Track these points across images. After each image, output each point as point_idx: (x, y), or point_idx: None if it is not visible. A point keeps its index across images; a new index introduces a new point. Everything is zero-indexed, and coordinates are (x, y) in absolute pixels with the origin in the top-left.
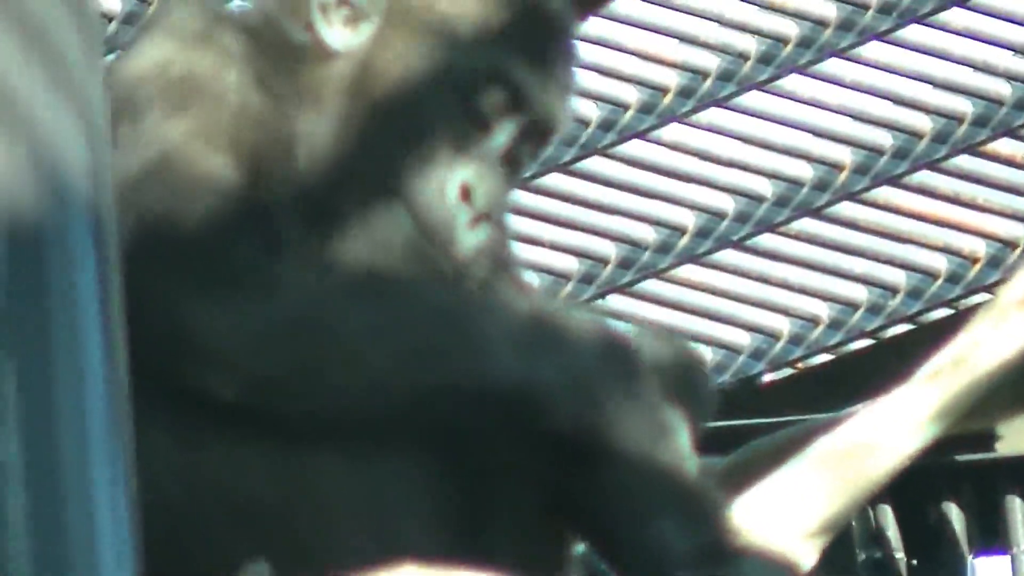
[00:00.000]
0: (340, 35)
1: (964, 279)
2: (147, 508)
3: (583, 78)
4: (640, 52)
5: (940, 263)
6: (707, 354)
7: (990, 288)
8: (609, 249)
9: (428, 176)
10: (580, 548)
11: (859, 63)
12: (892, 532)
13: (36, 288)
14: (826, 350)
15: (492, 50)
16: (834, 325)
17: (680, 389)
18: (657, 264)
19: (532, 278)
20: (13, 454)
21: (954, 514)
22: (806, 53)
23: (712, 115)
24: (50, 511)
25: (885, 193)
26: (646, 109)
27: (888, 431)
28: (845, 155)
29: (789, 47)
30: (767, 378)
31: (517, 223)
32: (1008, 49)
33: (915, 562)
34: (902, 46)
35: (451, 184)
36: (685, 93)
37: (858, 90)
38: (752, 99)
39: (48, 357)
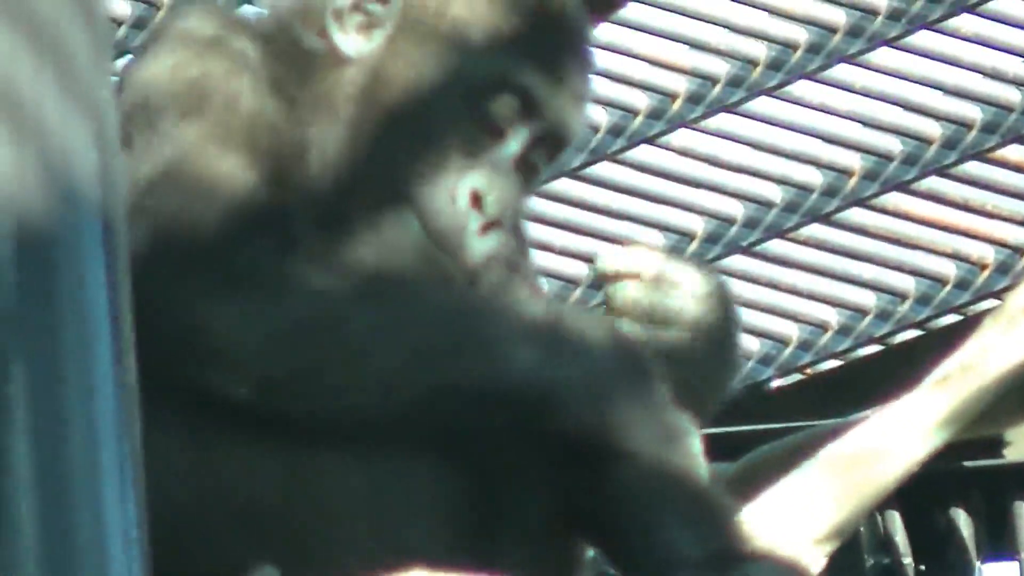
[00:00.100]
0: (354, 41)
1: (973, 285)
2: (156, 510)
3: (593, 83)
4: (650, 57)
5: (949, 269)
6: None
7: (999, 294)
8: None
9: (439, 182)
10: (590, 552)
11: (868, 69)
12: (900, 538)
13: (45, 291)
14: (835, 356)
15: (504, 57)
16: (843, 331)
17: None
18: None
19: (542, 283)
20: (22, 456)
21: (962, 520)
22: (815, 59)
23: (721, 121)
24: (59, 514)
25: (894, 199)
26: (655, 115)
27: (896, 437)
28: (854, 161)
29: (798, 53)
30: (776, 384)
31: (527, 228)
32: (1018, 55)
33: (923, 568)
34: (911, 52)
35: (461, 190)
36: (694, 99)
37: (867, 96)
38: (761, 105)
39: (57, 360)
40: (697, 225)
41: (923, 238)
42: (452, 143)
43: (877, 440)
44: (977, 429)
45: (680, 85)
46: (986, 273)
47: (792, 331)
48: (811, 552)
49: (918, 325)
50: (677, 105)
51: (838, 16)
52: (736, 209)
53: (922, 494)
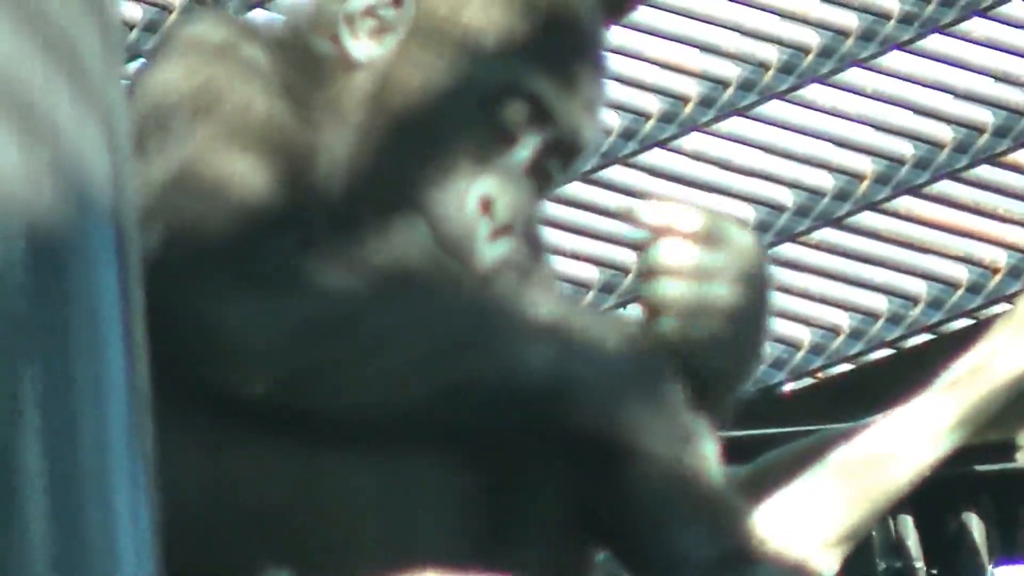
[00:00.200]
0: (365, 47)
1: (985, 289)
2: (169, 511)
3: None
4: (661, 61)
5: (961, 273)
6: None
7: (1010, 298)
8: (630, 258)
9: (449, 188)
10: (601, 554)
11: (880, 73)
12: (912, 542)
13: (57, 295)
14: (846, 360)
15: (516, 63)
16: (854, 335)
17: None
18: None
19: (558, 287)
20: (33, 458)
21: (974, 524)
22: (827, 63)
23: (733, 125)
24: (70, 516)
25: (906, 203)
26: (667, 119)
27: (908, 441)
28: (866, 165)
29: (810, 57)
30: (788, 388)
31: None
32: None
33: (935, 571)
34: (923, 56)
35: (472, 196)
36: (706, 103)
37: (879, 100)
38: (773, 109)
39: (69, 363)
40: None
41: (935, 242)
42: (463, 149)
43: (889, 444)
44: (988, 433)
45: (692, 89)
46: (998, 277)
47: (804, 335)
48: (823, 556)
49: (930, 329)
50: (689, 109)
51: (850, 20)
52: (747, 213)
53: (934, 498)
